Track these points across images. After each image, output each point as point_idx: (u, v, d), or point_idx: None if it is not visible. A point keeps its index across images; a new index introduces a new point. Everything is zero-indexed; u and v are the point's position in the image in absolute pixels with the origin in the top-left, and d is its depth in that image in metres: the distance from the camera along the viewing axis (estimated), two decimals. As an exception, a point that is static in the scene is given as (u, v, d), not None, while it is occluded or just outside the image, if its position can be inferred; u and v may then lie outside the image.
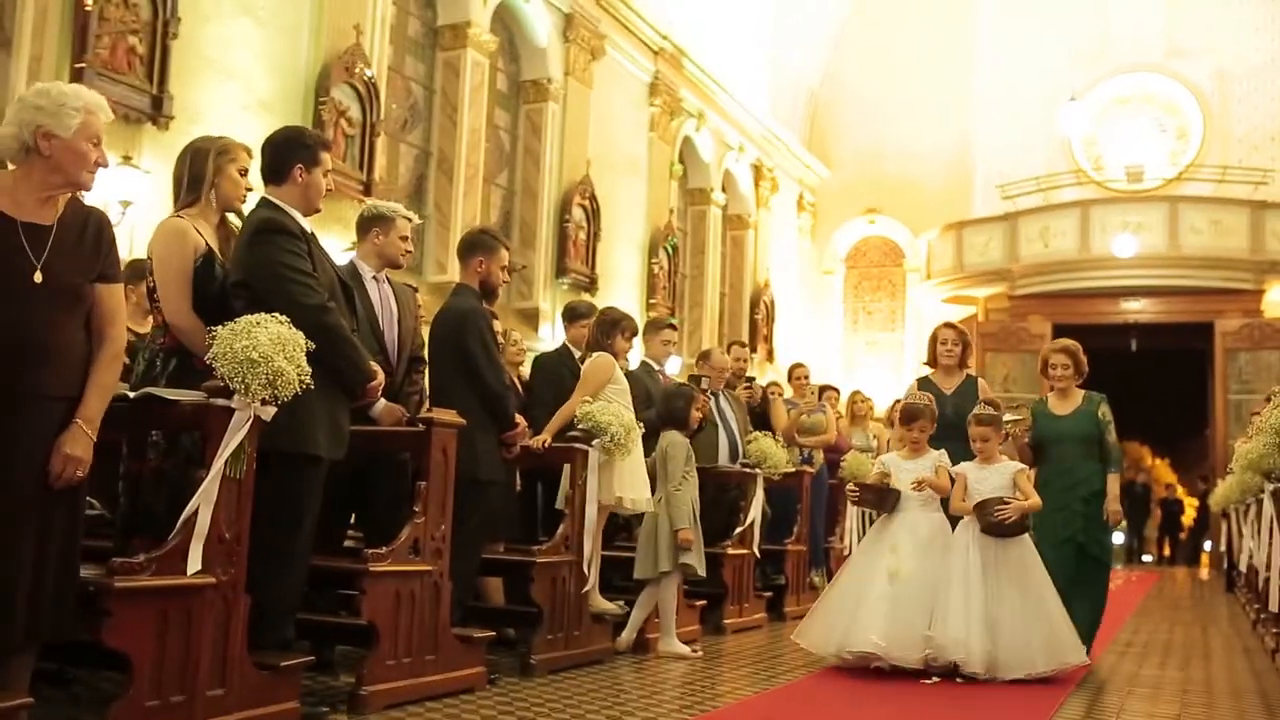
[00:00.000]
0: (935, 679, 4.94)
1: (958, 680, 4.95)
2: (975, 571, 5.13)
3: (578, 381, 5.77)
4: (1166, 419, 22.18)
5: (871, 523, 5.89)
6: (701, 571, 5.71)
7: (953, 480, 5.39)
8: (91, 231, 2.96)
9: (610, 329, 5.74)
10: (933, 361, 6.32)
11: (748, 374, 8.66)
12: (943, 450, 5.51)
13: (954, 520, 5.40)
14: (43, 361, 2.81)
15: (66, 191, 2.95)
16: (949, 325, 6.41)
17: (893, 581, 5.18)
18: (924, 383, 6.23)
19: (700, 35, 15.86)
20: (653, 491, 5.62)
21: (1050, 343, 6.27)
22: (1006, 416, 5.87)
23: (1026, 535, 5.30)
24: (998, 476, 5.37)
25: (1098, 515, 5.74)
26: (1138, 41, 18.56)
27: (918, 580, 5.16)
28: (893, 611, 5.08)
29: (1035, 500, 5.33)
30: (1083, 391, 5.97)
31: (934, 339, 6.34)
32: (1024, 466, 5.52)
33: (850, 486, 5.87)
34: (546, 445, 5.25)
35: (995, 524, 5.18)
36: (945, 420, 5.72)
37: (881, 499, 5.45)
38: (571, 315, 6.49)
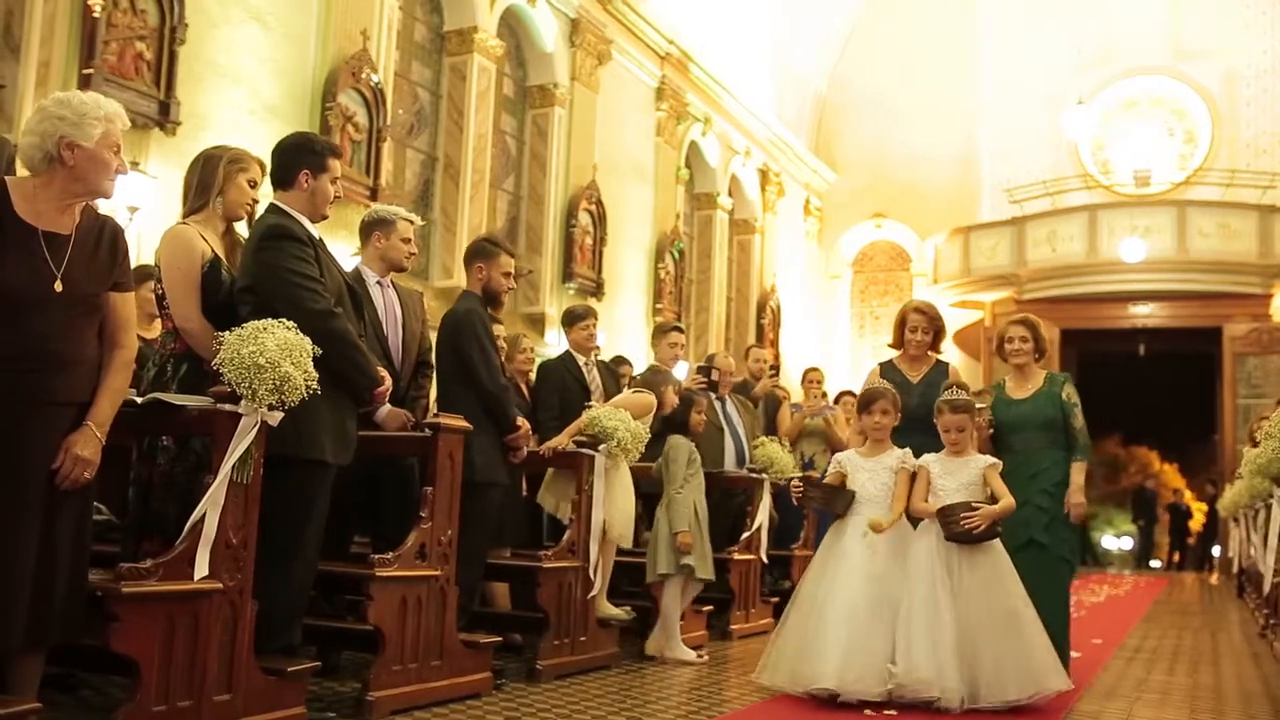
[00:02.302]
0: (894, 712, 4.26)
1: (889, 712, 4.32)
2: (942, 587, 4.47)
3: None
4: (1175, 423, 22.09)
5: None
6: (708, 574, 5.70)
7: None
8: (107, 241, 2.99)
9: (663, 381, 5.95)
10: (899, 344, 5.51)
11: (770, 365, 8.86)
12: (907, 449, 4.79)
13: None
14: (59, 369, 2.84)
15: (86, 200, 2.98)
16: (918, 309, 5.50)
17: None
18: (887, 368, 5.43)
19: (706, 40, 15.88)
20: (659, 497, 5.63)
21: (1008, 317, 5.64)
22: None
23: (998, 540, 4.64)
24: (965, 472, 4.69)
25: (1061, 511, 5.15)
26: (1144, 44, 18.56)
27: (875, 601, 4.48)
28: (850, 640, 4.40)
29: (1009, 501, 4.62)
30: (1044, 371, 5.35)
31: (900, 321, 5.48)
32: (996, 461, 4.79)
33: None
34: (561, 449, 5.24)
35: (961, 534, 4.52)
36: (910, 412, 5.02)
37: (830, 498, 4.78)
38: (570, 319, 6.46)
